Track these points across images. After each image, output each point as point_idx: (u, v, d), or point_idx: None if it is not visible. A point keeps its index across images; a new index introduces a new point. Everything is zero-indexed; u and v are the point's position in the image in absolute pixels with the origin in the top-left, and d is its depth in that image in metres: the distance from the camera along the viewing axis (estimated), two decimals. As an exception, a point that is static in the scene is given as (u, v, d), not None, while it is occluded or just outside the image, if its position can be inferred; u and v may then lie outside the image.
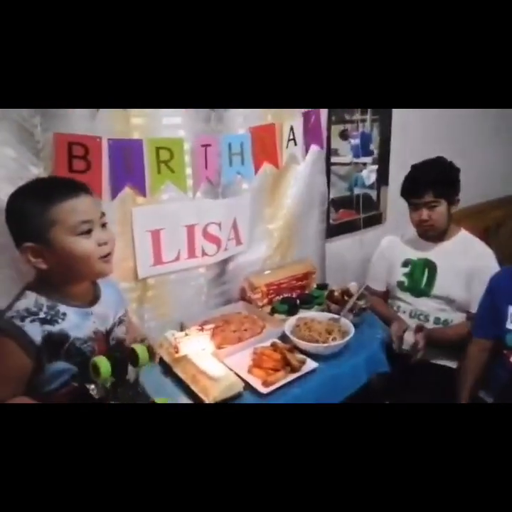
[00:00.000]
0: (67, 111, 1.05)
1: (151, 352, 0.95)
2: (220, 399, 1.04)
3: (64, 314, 0.89)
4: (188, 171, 1.30)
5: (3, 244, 0.96)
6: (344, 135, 1.93)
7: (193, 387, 1.09)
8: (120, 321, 1.04)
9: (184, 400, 1.10)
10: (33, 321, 0.84)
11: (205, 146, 1.31)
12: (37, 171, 1.04)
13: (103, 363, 0.84)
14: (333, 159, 1.87)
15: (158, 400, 0.95)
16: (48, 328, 0.86)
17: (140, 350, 0.91)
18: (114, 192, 1.17)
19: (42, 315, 0.86)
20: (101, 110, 1.09)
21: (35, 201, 0.84)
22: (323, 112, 1.65)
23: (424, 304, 1.59)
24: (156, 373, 1.19)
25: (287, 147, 1.54)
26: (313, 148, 1.64)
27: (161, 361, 1.22)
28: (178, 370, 1.16)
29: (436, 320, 1.57)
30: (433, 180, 1.49)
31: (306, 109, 1.57)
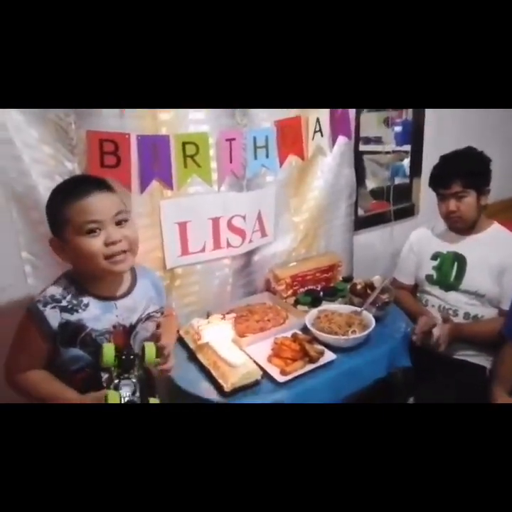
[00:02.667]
0: (99, 109, 1.12)
1: (166, 352, 0.96)
2: (238, 385, 1.09)
3: (86, 305, 0.92)
4: (214, 164, 1.34)
5: (45, 234, 1.04)
6: (388, 122, 1.90)
7: (214, 373, 1.14)
8: (148, 317, 1.02)
9: (205, 385, 1.15)
10: (53, 307, 0.89)
11: (230, 140, 1.34)
12: (72, 166, 1.12)
13: (108, 350, 0.88)
14: (374, 147, 1.84)
15: (152, 401, 0.95)
16: (66, 316, 0.90)
17: (148, 348, 0.93)
18: (143, 186, 1.23)
19: (64, 303, 0.90)
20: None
21: (56, 200, 0.89)
22: (352, 103, 1.63)
23: (453, 298, 1.55)
24: (182, 358, 1.26)
25: (313, 139, 1.55)
26: (341, 139, 1.64)
27: (187, 347, 1.28)
28: (200, 356, 1.22)
29: (466, 315, 1.53)
30: (461, 170, 1.45)
31: (333, 101, 1.55)
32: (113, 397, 0.84)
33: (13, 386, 0.93)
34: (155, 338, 1.00)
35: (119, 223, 0.90)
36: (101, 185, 0.90)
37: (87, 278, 0.94)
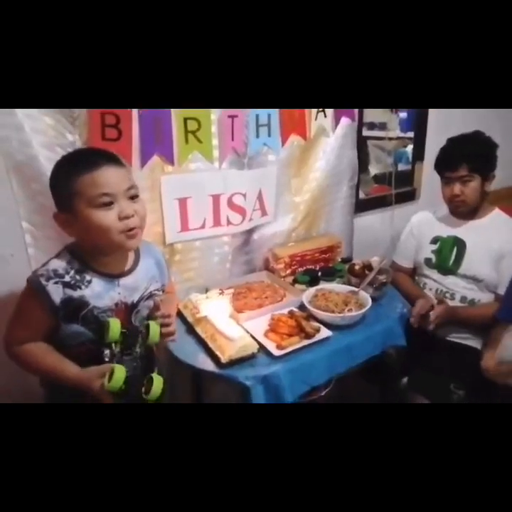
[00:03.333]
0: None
1: (172, 329, 0.98)
2: (235, 358, 1.11)
3: (89, 281, 0.91)
4: (215, 141, 1.34)
5: (45, 205, 1.06)
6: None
7: (211, 345, 1.16)
8: (150, 295, 1.02)
9: (203, 357, 1.17)
10: (56, 283, 0.88)
11: (232, 117, 1.34)
12: (72, 138, 1.12)
13: (114, 324, 0.89)
14: (378, 133, 1.84)
15: (155, 377, 0.90)
16: (69, 292, 0.89)
17: (152, 327, 0.93)
18: (144, 160, 1.24)
19: (67, 279, 0.89)
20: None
21: (63, 173, 0.87)
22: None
23: (451, 282, 1.57)
24: (180, 332, 1.27)
25: (316, 119, 1.54)
26: (344, 120, 1.63)
27: (185, 321, 1.30)
28: (198, 329, 1.24)
29: (463, 298, 1.55)
30: (468, 153, 1.45)
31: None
32: (120, 371, 0.84)
33: (13, 357, 0.93)
34: (156, 307, 1.00)
35: (131, 198, 0.89)
36: (111, 158, 0.89)
37: (91, 253, 0.93)
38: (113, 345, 0.92)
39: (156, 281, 1.04)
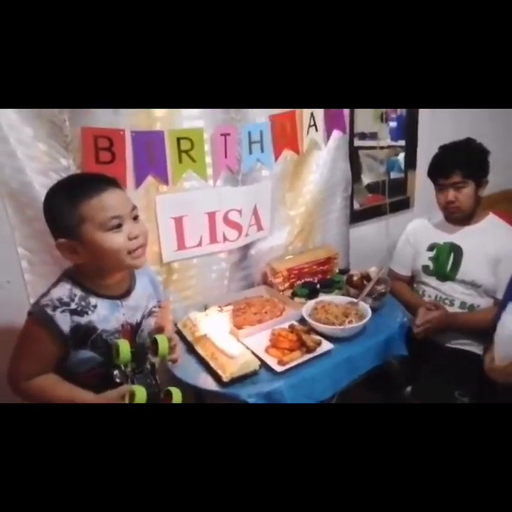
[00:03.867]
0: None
1: (172, 344, 0.97)
2: (237, 375, 1.10)
3: (94, 306, 0.91)
4: (208, 159, 1.35)
5: (41, 230, 1.06)
6: (384, 118, 1.92)
7: (212, 364, 1.15)
8: (150, 313, 1.03)
9: (204, 376, 1.16)
10: (63, 311, 0.87)
11: (225, 135, 1.35)
12: (67, 162, 1.13)
13: (124, 346, 0.88)
14: (370, 143, 1.87)
15: (173, 390, 0.95)
16: (77, 319, 0.88)
17: (161, 341, 0.93)
18: (138, 181, 1.24)
19: (73, 306, 0.88)
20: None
21: (65, 199, 0.85)
22: (345, 97, 1.64)
23: (449, 288, 1.57)
24: (180, 351, 1.26)
25: (308, 133, 1.56)
26: (336, 133, 1.65)
27: (185, 340, 1.30)
28: (198, 348, 1.23)
29: (462, 304, 1.55)
30: (461, 160, 1.47)
31: (326, 95, 1.57)
32: (140, 392, 0.85)
33: (20, 394, 0.90)
34: (159, 331, 0.99)
35: (134, 218, 0.91)
36: (112, 182, 0.90)
37: (92, 277, 0.92)
38: (122, 365, 0.92)
39: (153, 299, 1.06)
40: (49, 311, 0.86)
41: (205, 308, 1.42)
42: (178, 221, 1.36)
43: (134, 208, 0.92)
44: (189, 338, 1.28)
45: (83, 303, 0.90)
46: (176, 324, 1.38)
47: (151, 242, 1.33)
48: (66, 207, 0.85)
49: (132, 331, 0.98)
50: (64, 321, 0.87)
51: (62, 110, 1.09)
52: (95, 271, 0.92)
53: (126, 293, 0.98)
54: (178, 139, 1.27)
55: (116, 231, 0.87)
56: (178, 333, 1.32)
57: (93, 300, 0.91)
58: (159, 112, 1.25)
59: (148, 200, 1.29)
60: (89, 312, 0.90)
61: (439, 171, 1.51)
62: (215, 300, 1.46)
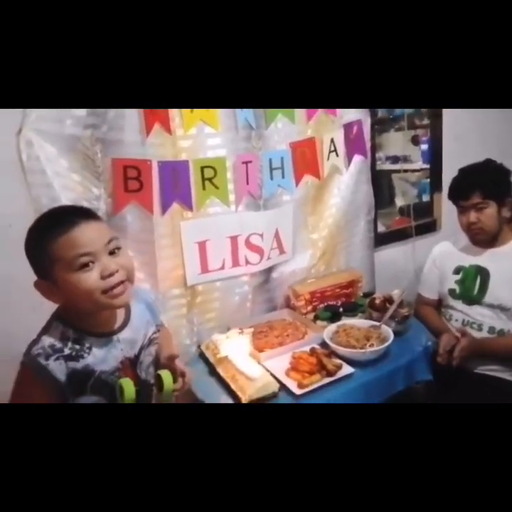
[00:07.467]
0: (122, 138, 1.21)
1: (176, 377, 0.90)
2: (256, 397, 1.11)
3: (89, 348, 0.85)
4: (231, 186, 1.41)
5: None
6: (415, 140, 1.94)
7: (232, 386, 1.17)
8: (150, 342, 0.98)
9: (225, 398, 1.18)
10: (57, 359, 0.81)
11: (246, 162, 1.41)
12: (98, 192, 1.21)
13: (128, 386, 0.83)
14: (404, 166, 1.90)
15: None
16: (72, 365, 0.82)
17: (165, 377, 0.87)
18: (164, 208, 1.31)
19: (67, 351, 0.82)
20: (150, 136, 1.24)
21: (36, 239, 0.80)
22: (365, 122, 1.68)
23: (477, 313, 1.52)
24: (203, 372, 1.30)
25: (328, 159, 1.59)
26: (357, 158, 1.68)
27: (207, 361, 1.32)
28: (220, 370, 1.25)
29: (491, 329, 1.50)
30: (480, 181, 1.46)
31: (346, 121, 1.61)
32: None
33: None
34: (164, 360, 0.96)
35: (112, 252, 0.82)
36: (85, 214, 0.83)
37: (81, 318, 0.86)
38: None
39: (151, 325, 1.01)
40: (42, 360, 0.80)
41: (228, 330, 1.44)
42: (202, 245, 1.41)
43: (111, 239, 0.82)
44: (211, 359, 1.31)
45: (77, 346, 0.84)
46: (199, 346, 1.42)
47: (176, 266, 1.39)
48: (37, 246, 0.80)
49: (132, 365, 0.93)
50: (59, 370, 0.81)
51: (94, 143, 1.18)
52: (80, 312, 0.85)
53: (122, 326, 0.92)
54: (202, 168, 1.34)
55: (87, 270, 0.78)
56: (201, 354, 1.36)
57: (87, 342, 0.85)
58: (184, 143, 1.32)
59: (174, 226, 1.35)
60: (85, 355, 0.84)
61: (458, 192, 1.51)
62: (238, 322, 1.48)
